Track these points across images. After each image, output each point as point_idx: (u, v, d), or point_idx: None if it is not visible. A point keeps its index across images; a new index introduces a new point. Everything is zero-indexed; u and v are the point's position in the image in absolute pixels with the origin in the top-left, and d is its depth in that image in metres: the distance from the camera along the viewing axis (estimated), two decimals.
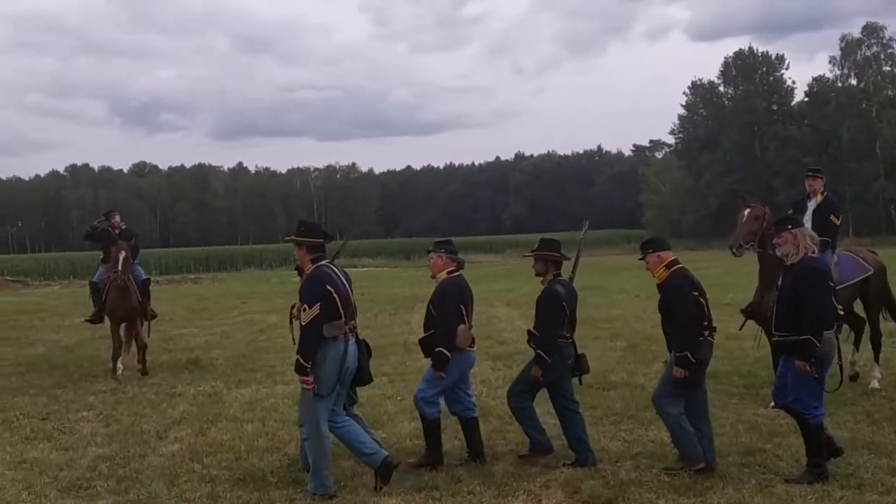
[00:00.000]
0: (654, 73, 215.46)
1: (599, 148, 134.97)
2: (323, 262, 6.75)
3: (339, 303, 6.53)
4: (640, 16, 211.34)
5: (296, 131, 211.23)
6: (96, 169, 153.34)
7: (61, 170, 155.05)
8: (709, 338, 6.92)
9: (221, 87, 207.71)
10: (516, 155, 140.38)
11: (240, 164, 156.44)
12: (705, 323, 6.87)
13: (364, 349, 6.91)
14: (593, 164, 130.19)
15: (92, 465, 7.73)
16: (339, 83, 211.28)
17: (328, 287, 6.52)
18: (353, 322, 6.76)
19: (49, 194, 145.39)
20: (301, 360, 6.48)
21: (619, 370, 11.81)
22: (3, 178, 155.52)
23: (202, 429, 9.04)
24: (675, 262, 7.04)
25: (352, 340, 6.69)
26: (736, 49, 77.40)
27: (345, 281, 6.79)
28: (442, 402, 7.53)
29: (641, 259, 7.22)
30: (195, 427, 9.09)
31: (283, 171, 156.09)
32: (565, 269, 7.75)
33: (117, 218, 13.87)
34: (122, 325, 12.83)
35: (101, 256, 13.82)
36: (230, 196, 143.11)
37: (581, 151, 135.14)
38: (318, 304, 6.43)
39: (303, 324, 6.54)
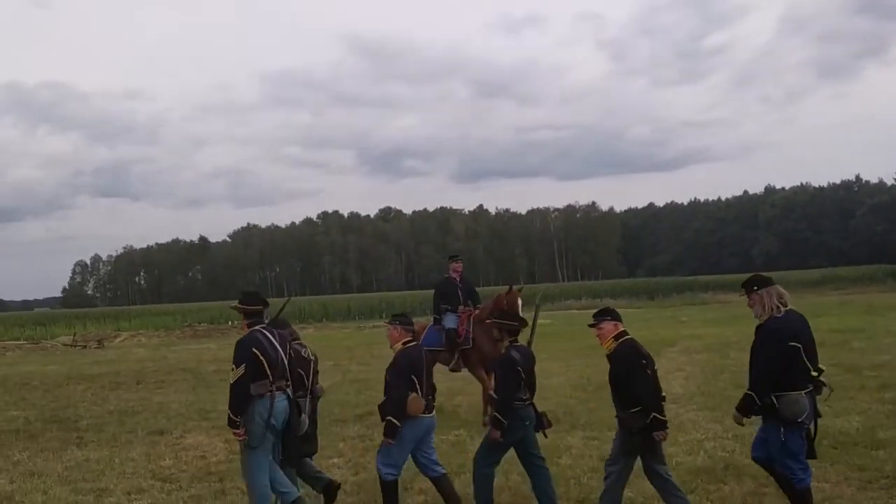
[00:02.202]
0: None
1: (858, 178, 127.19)
2: (257, 328, 7.36)
3: (265, 364, 7.13)
4: None
5: (534, 172, 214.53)
6: (345, 215, 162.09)
7: (314, 217, 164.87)
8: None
9: (461, 131, 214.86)
10: (766, 188, 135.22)
11: (480, 206, 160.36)
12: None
13: (294, 408, 7.48)
14: (851, 194, 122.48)
15: None
16: (576, 122, 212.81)
17: (254, 350, 7.15)
18: (283, 381, 7.35)
19: (303, 240, 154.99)
20: (231, 415, 7.14)
21: (890, 426, 10.64)
22: (263, 226, 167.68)
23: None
24: (624, 333, 7.08)
25: (279, 398, 7.26)
26: None
27: (277, 344, 7.33)
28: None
29: (592, 326, 7.21)
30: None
31: (523, 211, 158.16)
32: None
33: (460, 264, 13.76)
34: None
35: (442, 305, 13.42)
36: (471, 238, 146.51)
37: (837, 182, 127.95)
38: (244, 366, 7.09)
39: (231, 382, 7.17)
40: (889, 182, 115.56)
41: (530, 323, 8.16)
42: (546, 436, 7.88)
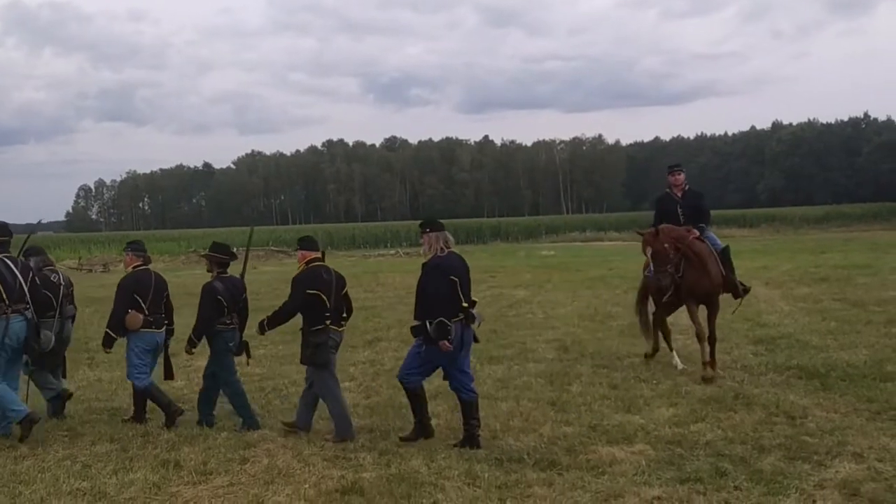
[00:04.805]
0: None
1: (866, 115, 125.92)
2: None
3: (2, 289, 7.96)
4: None
5: (542, 103, 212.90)
6: (350, 144, 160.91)
7: (319, 145, 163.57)
8: (331, 326, 8.07)
9: (469, 60, 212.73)
10: (773, 124, 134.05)
11: (486, 137, 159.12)
12: (327, 314, 8.00)
13: (34, 328, 8.24)
14: (859, 132, 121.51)
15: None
16: (585, 53, 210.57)
17: None
18: (21, 305, 8.10)
19: (308, 168, 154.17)
20: None
21: None
22: (268, 153, 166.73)
23: (457, 405, 9.08)
24: (315, 259, 8.29)
25: (15, 319, 8.05)
26: None
27: (17, 271, 8.11)
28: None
29: (296, 251, 8.54)
30: (451, 402, 9.13)
31: (529, 143, 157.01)
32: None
33: (681, 175, 11.32)
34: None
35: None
36: (476, 169, 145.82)
37: (845, 119, 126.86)
38: None
39: None
40: None
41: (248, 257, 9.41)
42: (248, 364, 9.28)
